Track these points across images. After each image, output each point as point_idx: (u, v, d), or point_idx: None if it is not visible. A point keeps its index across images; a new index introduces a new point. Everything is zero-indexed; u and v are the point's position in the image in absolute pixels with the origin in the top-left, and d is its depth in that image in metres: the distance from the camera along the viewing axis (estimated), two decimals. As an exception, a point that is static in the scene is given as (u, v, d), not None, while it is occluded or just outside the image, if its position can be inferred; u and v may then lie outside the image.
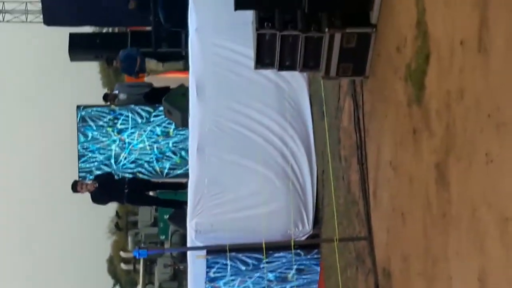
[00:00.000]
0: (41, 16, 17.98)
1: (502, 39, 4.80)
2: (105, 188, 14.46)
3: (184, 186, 13.98)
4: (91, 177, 15.37)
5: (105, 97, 16.56)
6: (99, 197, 14.64)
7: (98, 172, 15.43)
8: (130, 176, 15.49)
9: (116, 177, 15.24)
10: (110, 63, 17.51)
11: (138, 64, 16.14)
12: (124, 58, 16.33)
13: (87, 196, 14.60)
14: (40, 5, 18.01)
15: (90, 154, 15.92)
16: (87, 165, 15.66)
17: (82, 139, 15.88)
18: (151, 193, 17.00)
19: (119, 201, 16.01)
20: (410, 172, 6.76)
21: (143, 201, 16.60)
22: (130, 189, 14.69)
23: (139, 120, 15.80)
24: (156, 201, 17.81)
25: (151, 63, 16.14)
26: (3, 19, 20.68)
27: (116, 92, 16.51)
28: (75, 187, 14.36)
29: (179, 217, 13.44)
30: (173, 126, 15.39)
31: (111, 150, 16.11)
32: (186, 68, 13.73)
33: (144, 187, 15.47)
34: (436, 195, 6.10)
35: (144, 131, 15.83)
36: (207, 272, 10.83)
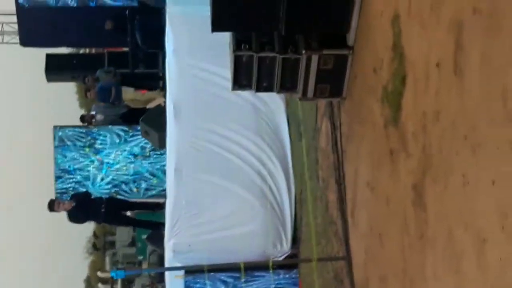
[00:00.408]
0: (18, 37, 17.89)
1: (477, 61, 4.84)
2: (82, 207, 14.39)
3: (161, 207, 13.95)
4: (67, 197, 15.29)
5: (82, 118, 16.51)
6: (75, 216, 14.57)
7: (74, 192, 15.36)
8: (107, 196, 15.43)
9: (93, 196, 15.18)
10: (86, 82, 17.48)
11: (113, 95, 16.08)
12: (99, 89, 16.31)
13: (63, 215, 14.54)
14: (16, 26, 17.92)
15: (66, 175, 15.86)
16: (64, 186, 15.59)
17: (59, 159, 15.82)
18: (128, 213, 16.95)
19: (96, 220, 15.94)
20: (387, 192, 6.78)
21: (120, 221, 16.54)
22: (107, 208, 14.63)
23: (117, 140, 15.76)
24: (133, 222, 17.75)
25: (128, 93, 16.08)
26: (-20, 40, 20.60)
27: (93, 113, 16.47)
28: (52, 206, 14.28)
29: (157, 238, 13.39)
30: (150, 146, 15.36)
31: (88, 170, 16.06)
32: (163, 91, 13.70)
33: (121, 207, 15.42)
34: (413, 216, 6.11)
35: (122, 151, 15.79)
36: (186, 293, 10.82)
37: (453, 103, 5.23)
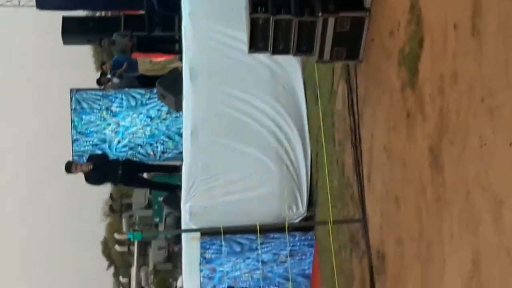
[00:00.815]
0: (34, 0, 17.88)
1: (495, 23, 4.81)
2: (99, 169, 14.41)
3: (178, 169, 13.99)
4: (84, 159, 15.34)
5: (99, 81, 16.50)
6: (93, 177, 14.59)
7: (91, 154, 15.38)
8: (124, 158, 15.47)
9: (109, 158, 15.22)
10: (102, 44, 17.47)
11: (124, 68, 16.04)
12: (114, 62, 16.30)
13: (80, 178, 14.57)
14: (33, -11, 17.93)
15: (83, 138, 15.90)
16: (81, 148, 15.61)
17: (76, 122, 15.85)
18: (145, 175, 17.00)
19: (112, 182, 15.95)
20: (404, 156, 6.78)
21: (137, 183, 16.57)
22: (124, 170, 14.65)
23: (133, 103, 15.77)
24: (149, 184, 17.81)
25: (145, 65, 16.02)
26: (-4, 3, 20.59)
27: (109, 76, 16.47)
28: (69, 168, 14.29)
29: (173, 200, 13.44)
30: (166, 110, 15.36)
31: (105, 133, 16.09)
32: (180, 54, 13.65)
33: (137, 169, 15.45)
34: (430, 179, 6.11)
35: (138, 114, 15.80)
36: (202, 254, 10.87)
37: (470, 66, 5.21)
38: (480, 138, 5.04)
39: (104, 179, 15.16)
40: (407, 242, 6.84)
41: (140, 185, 18.84)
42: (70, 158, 15.44)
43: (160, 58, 16.77)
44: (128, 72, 16.01)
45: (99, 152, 15.47)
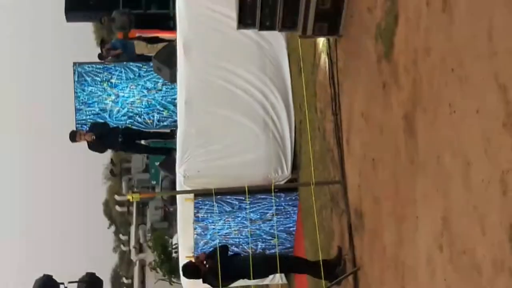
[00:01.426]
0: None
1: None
2: (100, 137, 14.39)
3: (172, 135, 13.99)
4: (86, 127, 15.30)
5: (100, 56, 16.39)
6: (95, 145, 14.57)
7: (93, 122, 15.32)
8: (123, 126, 15.44)
9: (110, 126, 15.18)
10: (103, 21, 17.36)
11: (117, 53, 15.91)
12: (112, 46, 16.20)
13: (83, 145, 14.56)
14: (37, -30, 17.78)
15: (85, 107, 15.85)
16: (83, 117, 15.54)
17: (79, 93, 15.78)
18: (143, 142, 16.98)
19: (113, 148, 15.95)
20: (380, 122, 6.78)
21: (136, 148, 16.52)
22: (124, 137, 14.66)
23: (132, 75, 15.71)
24: (147, 149, 17.77)
25: (141, 47, 15.89)
26: (4, -16, 20.41)
27: (109, 46, 16.36)
28: (73, 136, 14.26)
29: (169, 164, 13.43)
30: (162, 81, 15.31)
31: (106, 103, 16.04)
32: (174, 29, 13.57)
33: (136, 136, 15.44)
34: (404, 144, 6.12)
35: (136, 85, 15.75)
36: (195, 213, 10.90)
37: (442, 39, 5.21)
38: (450, 106, 5.05)
39: (106, 146, 15.15)
40: (383, 201, 6.87)
41: (138, 151, 18.77)
42: (74, 127, 15.39)
43: (156, 34, 16.69)
44: (124, 55, 15.93)
45: (101, 121, 15.42)
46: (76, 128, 15.21)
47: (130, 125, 15.61)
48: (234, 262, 9.28)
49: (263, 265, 9.32)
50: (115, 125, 15.12)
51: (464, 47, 4.78)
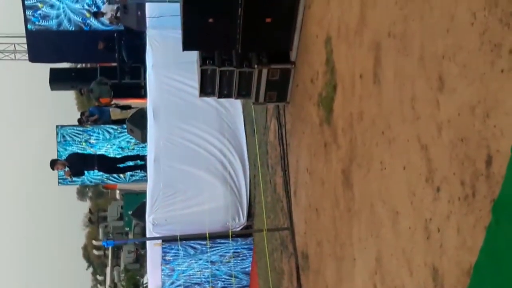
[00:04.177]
0: (27, 55, 17.67)
1: (391, 73, 4.88)
2: (76, 165, 14.16)
3: (143, 158, 14.01)
4: (67, 182, 15.18)
5: (80, 121, 16.28)
6: (73, 172, 14.33)
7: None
8: (98, 153, 15.23)
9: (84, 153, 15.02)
10: (82, 93, 17.37)
11: (94, 118, 15.84)
12: (89, 113, 16.16)
13: (66, 199, 14.43)
14: (26, 46, 17.69)
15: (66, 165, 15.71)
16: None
17: (61, 152, 15.66)
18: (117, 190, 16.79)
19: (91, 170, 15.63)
20: (322, 176, 6.82)
21: (111, 172, 16.15)
22: (99, 167, 14.57)
23: (108, 136, 15.65)
24: (122, 169, 17.30)
25: (116, 113, 15.88)
26: (-5, 57, 20.31)
27: (87, 114, 16.29)
28: (52, 165, 14.03)
29: (140, 213, 13.34)
30: (134, 141, 15.27)
31: (85, 161, 15.89)
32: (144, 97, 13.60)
33: (111, 165, 15.15)
34: (342, 194, 6.15)
35: (112, 145, 15.68)
36: (163, 256, 10.79)
37: (373, 106, 5.28)
38: (381, 163, 5.10)
39: (82, 172, 14.96)
40: (325, 244, 6.87)
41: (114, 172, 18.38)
42: (56, 182, 15.24)
43: (128, 101, 16.68)
44: (100, 120, 15.88)
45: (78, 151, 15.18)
46: (59, 183, 15.08)
47: (105, 179, 15.50)
48: None
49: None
50: (90, 153, 14.98)
51: (392, 113, 4.85)
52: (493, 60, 3.38)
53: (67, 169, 14.04)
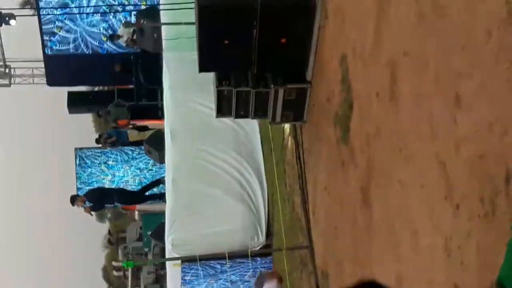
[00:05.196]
0: (45, 79, 17.81)
1: (408, 91, 4.88)
2: (95, 201, 14.24)
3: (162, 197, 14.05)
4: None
5: (98, 140, 16.36)
6: (93, 207, 14.43)
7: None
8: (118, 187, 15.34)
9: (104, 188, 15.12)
10: (100, 115, 17.43)
11: (112, 140, 15.92)
12: (107, 135, 16.23)
13: (86, 217, 14.55)
14: (43, 70, 17.82)
15: (86, 187, 15.80)
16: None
17: (80, 174, 15.75)
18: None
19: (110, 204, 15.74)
20: (341, 195, 6.80)
21: (134, 202, 16.22)
22: (119, 200, 14.65)
23: (126, 158, 15.72)
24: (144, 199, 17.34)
25: (133, 135, 15.93)
26: (14, 82, 20.44)
27: (105, 136, 16.36)
28: (72, 201, 14.11)
29: (159, 234, 13.35)
30: (152, 162, 15.31)
31: (103, 182, 15.98)
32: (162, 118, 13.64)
33: (131, 196, 15.24)
34: (361, 213, 6.13)
35: (130, 166, 15.74)
36: (182, 277, 10.76)
37: (390, 124, 5.27)
38: (399, 181, 5.08)
39: (102, 206, 15.03)
40: (345, 264, 6.84)
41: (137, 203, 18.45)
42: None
43: (145, 122, 16.74)
44: (118, 142, 15.95)
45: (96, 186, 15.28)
46: (76, 194, 15.09)
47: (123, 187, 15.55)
48: None
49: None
50: (109, 188, 15.06)
51: (409, 131, 4.84)
52: (509, 77, 3.37)
53: (87, 204, 14.12)
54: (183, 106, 11.07)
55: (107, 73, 16.46)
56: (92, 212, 14.72)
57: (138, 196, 15.25)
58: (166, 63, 11.58)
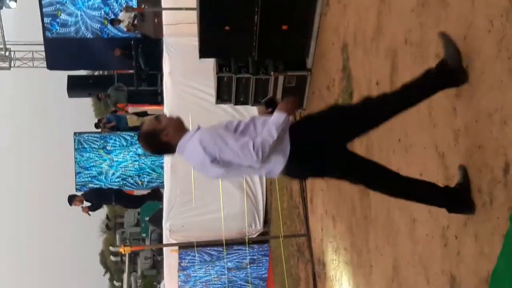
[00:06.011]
0: (45, 62, 17.76)
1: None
2: (93, 201, 14.48)
3: (157, 195, 14.09)
4: (84, 188, 15.26)
5: (97, 124, 16.38)
6: (90, 207, 14.66)
7: (92, 185, 15.27)
8: (116, 188, 15.41)
9: (103, 187, 15.19)
10: (100, 98, 17.41)
11: (112, 125, 15.94)
12: (106, 120, 16.29)
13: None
14: (44, 53, 17.77)
15: (84, 171, 15.77)
16: (82, 180, 15.44)
17: (78, 159, 15.71)
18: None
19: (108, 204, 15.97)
20: (339, 184, 6.79)
21: (130, 205, 16.43)
22: (116, 201, 14.77)
23: (125, 143, 15.68)
24: (141, 201, 17.55)
25: (133, 119, 15.97)
26: (14, 65, 20.39)
27: (105, 120, 16.37)
28: (70, 201, 14.38)
29: (157, 220, 13.38)
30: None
31: (102, 167, 15.95)
32: (161, 104, 13.62)
33: (126, 201, 15.47)
34: (359, 202, 6.14)
35: (129, 151, 15.70)
36: (179, 263, 10.79)
37: (389, 113, 5.24)
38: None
39: (100, 206, 15.19)
40: (342, 251, 6.85)
41: (133, 206, 18.68)
42: (74, 188, 15.32)
43: (145, 108, 16.73)
44: (118, 127, 15.99)
45: (97, 182, 15.35)
46: (76, 189, 15.15)
47: (122, 186, 15.56)
48: None
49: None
50: (109, 186, 15.11)
51: (408, 121, 4.83)
52: (510, 67, 3.36)
53: (85, 204, 14.31)
54: (182, 91, 11.05)
55: (108, 58, 16.42)
56: (90, 212, 14.90)
57: (135, 199, 15.49)
58: (167, 48, 11.55)
